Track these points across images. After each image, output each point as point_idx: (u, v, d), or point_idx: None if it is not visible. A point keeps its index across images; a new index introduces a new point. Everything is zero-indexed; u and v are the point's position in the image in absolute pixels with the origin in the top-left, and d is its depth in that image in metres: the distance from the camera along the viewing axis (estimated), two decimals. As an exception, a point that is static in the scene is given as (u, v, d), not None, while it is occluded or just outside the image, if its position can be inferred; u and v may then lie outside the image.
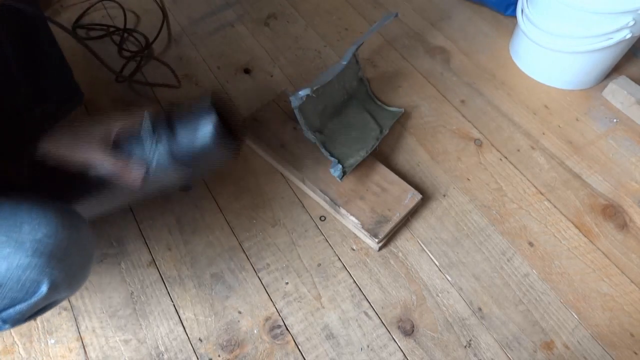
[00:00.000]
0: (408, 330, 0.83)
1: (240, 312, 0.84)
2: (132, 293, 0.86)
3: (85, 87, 1.12)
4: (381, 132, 1.00)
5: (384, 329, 0.83)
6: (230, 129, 0.64)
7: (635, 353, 0.81)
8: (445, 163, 1.03)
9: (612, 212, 0.96)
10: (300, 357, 0.80)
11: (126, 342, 0.81)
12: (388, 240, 0.91)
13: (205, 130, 0.61)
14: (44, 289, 0.52)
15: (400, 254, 0.90)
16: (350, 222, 0.90)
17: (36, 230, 0.51)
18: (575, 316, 0.84)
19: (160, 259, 0.89)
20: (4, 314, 0.53)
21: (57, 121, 0.86)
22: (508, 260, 0.90)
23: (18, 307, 0.52)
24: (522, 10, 1.12)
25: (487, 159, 1.03)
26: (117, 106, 1.10)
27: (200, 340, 0.81)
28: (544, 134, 1.07)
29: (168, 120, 0.62)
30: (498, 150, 1.05)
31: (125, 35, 1.23)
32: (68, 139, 0.55)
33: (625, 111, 1.11)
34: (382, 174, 0.95)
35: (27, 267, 0.50)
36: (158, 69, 1.18)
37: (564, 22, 1.03)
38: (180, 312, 0.84)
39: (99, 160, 0.53)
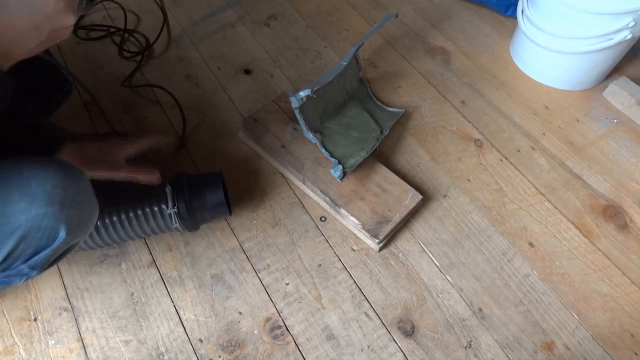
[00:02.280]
0: (408, 330, 0.82)
1: (240, 313, 0.84)
2: (132, 294, 0.85)
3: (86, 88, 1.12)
4: (382, 132, 1.00)
5: (385, 330, 0.83)
6: (228, 197, 0.88)
7: (636, 354, 0.81)
8: (446, 164, 1.03)
9: (613, 213, 0.96)
10: (301, 357, 0.80)
11: (127, 342, 0.81)
12: (388, 241, 0.91)
13: (215, 198, 0.85)
14: (62, 234, 0.57)
15: (400, 255, 0.90)
16: (351, 222, 0.90)
17: (43, 183, 0.55)
18: (576, 317, 0.84)
19: (161, 259, 0.89)
20: (31, 262, 0.58)
21: (51, 114, 0.86)
22: (508, 261, 0.90)
23: (42, 254, 0.58)
24: (522, 11, 1.12)
25: (487, 160, 1.03)
26: (118, 108, 1.10)
27: (201, 340, 0.81)
28: (544, 134, 1.07)
29: (185, 184, 0.83)
30: (498, 151, 1.05)
31: (126, 35, 1.23)
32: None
33: (625, 112, 1.11)
34: (383, 174, 0.95)
35: (44, 216, 0.55)
36: (158, 69, 1.18)
37: (565, 23, 1.03)
38: (181, 312, 0.84)
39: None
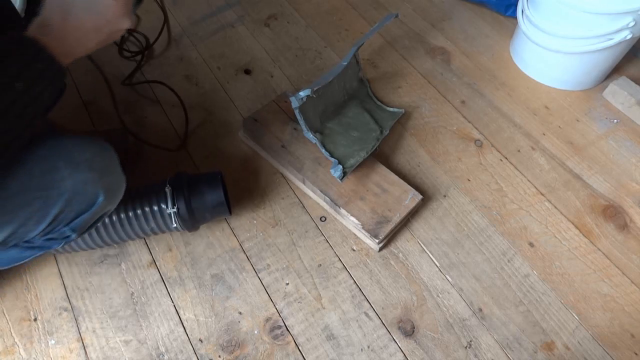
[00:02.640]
0: (408, 330, 0.82)
1: (240, 313, 0.84)
2: (132, 294, 0.85)
3: (86, 88, 1.12)
4: (382, 132, 1.00)
5: (385, 330, 0.83)
6: (227, 197, 0.88)
7: (636, 354, 0.81)
8: (446, 164, 1.03)
9: (613, 213, 0.96)
10: (301, 357, 0.80)
11: (127, 342, 0.81)
12: (388, 240, 0.91)
13: (215, 198, 0.84)
14: (101, 198, 0.63)
15: (400, 255, 0.90)
16: (351, 222, 0.90)
17: (84, 153, 0.62)
18: (576, 317, 0.84)
19: (161, 259, 0.89)
20: (72, 224, 0.64)
21: (49, 110, 0.86)
22: (508, 261, 0.90)
23: (83, 217, 0.64)
24: (522, 11, 1.12)
25: (487, 160, 1.03)
26: (118, 108, 1.10)
27: (201, 340, 0.81)
28: (544, 134, 1.07)
29: (185, 184, 0.84)
30: (498, 151, 1.05)
31: (126, 35, 1.23)
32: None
33: (625, 112, 1.11)
34: (383, 174, 0.95)
35: (86, 181, 0.61)
36: (158, 69, 1.18)
37: (565, 23, 1.03)
38: (181, 312, 0.84)
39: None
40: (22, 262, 0.71)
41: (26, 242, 0.65)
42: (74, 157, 0.61)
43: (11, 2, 0.65)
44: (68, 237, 0.66)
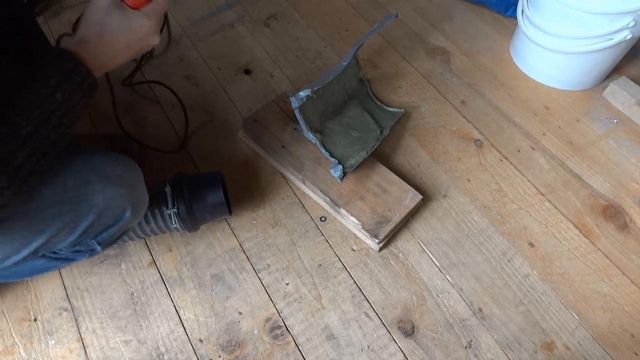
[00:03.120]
0: (408, 330, 0.82)
1: (240, 313, 0.84)
2: (132, 294, 0.85)
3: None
4: (382, 132, 1.00)
5: (385, 330, 0.83)
6: (227, 197, 0.89)
7: (636, 354, 0.81)
8: (446, 164, 1.03)
9: (613, 213, 0.96)
10: (301, 357, 0.80)
11: (127, 342, 0.81)
12: (388, 240, 0.91)
13: (215, 199, 0.84)
14: (128, 213, 0.66)
15: (400, 255, 0.90)
16: (351, 222, 0.90)
17: (115, 168, 0.64)
18: (576, 317, 0.84)
19: (161, 259, 0.89)
20: (99, 237, 0.66)
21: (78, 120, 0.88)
22: (508, 261, 0.90)
23: (110, 230, 0.66)
24: (522, 11, 1.12)
25: (487, 160, 1.03)
26: (118, 109, 1.10)
27: (201, 340, 0.81)
28: (544, 134, 1.07)
29: (185, 185, 0.84)
30: (498, 151, 1.05)
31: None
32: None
33: (625, 112, 1.11)
34: (383, 174, 0.95)
35: (117, 196, 0.63)
36: (158, 69, 1.18)
37: (565, 23, 1.03)
38: (181, 312, 0.84)
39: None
40: (45, 272, 0.73)
41: (54, 252, 0.67)
42: (106, 172, 0.63)
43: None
44: (93, 249, 0.68)
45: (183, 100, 1.06)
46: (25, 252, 0.61)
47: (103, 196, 0.62)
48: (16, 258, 0.61)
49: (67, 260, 0.70)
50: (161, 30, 1.21)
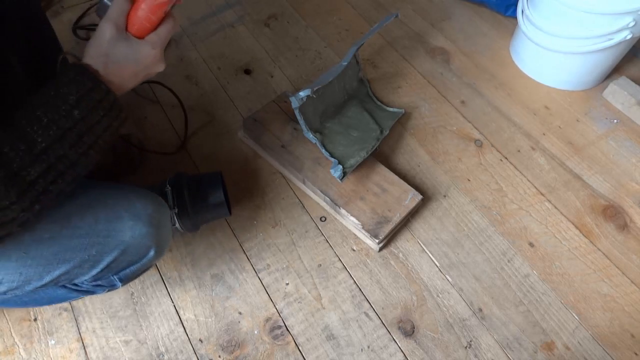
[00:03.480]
0: (408, 331, 0.82)
1: (240, 313, 0.84)
2: (132, 294, 0.85)
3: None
4: (381, 132, 1.00)
5: (385, 330, 0.83)
6: (227, 197, 0.89)
7: (636, 354, 0.81)
8: (446, 164, 1.03)
9: (613, 213, 0.96)
10: (301, 357, 0.80)
11: (127, 342, 0.81)
12: (388, 241, 0.91)
13: (215, 199, 0.85)
14: (152, 253, 0.66)
15: (400, 255, 0.90)
16: (351, 222, 0.90)
17: (146, 207, 0.65)
18: (576, 317, 0.84)
19: (161, 259, 0.89)
20: (121, 274, 0.67)
21: (105, 145, 0.89)
22: (508, 261, 0.90)
23: (132, 268, 0.66)
24: (522, 11, 1.12)
25: (487, 160, 1.03)
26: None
27: (201, 341, 0.81)
28: (544, 134, 1.07)
29: (185, 185, 0.84)
30: (498, 151, 1.05)
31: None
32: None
33: (625, 112, 1.11)
34: (383, 174, 0.95)
35: (145, 235, 0.64)
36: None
37: (564, 23, 1.03)
38: (181, 312, 0.84)
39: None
40: (63, 302, 0.74)
41: (74, 285, 0.67)
42: (137, 209, 0.64)
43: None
44: (114, 285, 0.69)
45: (183, 100, 1.06)
46: (47, 279, 0.61)
47: (131, 234, 0.63)
48: (37, 284, 0.61)
49: (87, 292, 0.70)
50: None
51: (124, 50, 0.53)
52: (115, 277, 0.67)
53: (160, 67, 0.57)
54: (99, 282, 0.67)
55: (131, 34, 0.54)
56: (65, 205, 0.60)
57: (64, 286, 0.66)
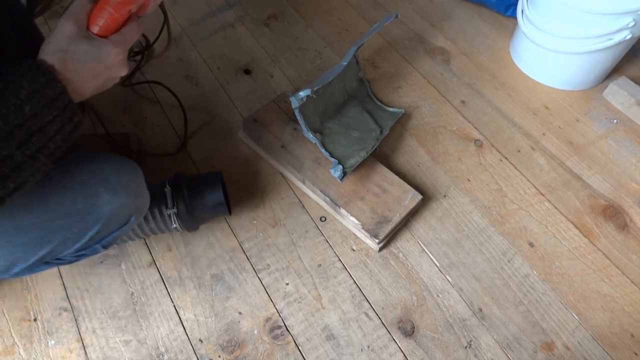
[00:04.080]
0: (408, 331, 0.82)
1: (240, 313, 0.84)
2: (132, 294, 0.85)
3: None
4: (381, 132, 1.00)
5: (385, 330, 0.83)
6: (227, 197, 0.89)
7: (636, 354, 0.81)
8: (446, 164, 1.03)
9: (613, 213, 0.96)
10: (301, 357, 0.80)
11: (126, 342, 0.81)
12: (388, 241, 0.91)
13: (215, 198, 0.85)
14: (132, 219, 0.68)
15: (400, 255, 0.90)
16: (351, 222, 0.90)
17: (121, 177, 0.65)
18: (576, 317, 0.84)
19: (161, 259, 0.89)
20: (104, 242, 0.68)
21: (57, 151, 0.87)
22: (508, 261, 0.90)
23: (114, 234, 0.68)
24: (522, 11, 1.12)
25: (487, 160, 1.03)
26: (117, 109, 1.10)
27: (201, 340, 0.81)
28: (544, 134, 1.08)
29: (185, 185, 0.84)
30: (498, 151, 1.05)
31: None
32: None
33: (625, 112, 1.11)
34: (383, 174, 0.95)
35: (123, 205, 0.64)
36: (158, 69, 1.18)
37: (564, 23, 1.03)
38: (181, 312, 0.84)
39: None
40: (46, 270, 0.74)
41: (57, 259, 0.68)
42: (112, 181, 0.64)
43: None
44: (96, 252, 0.70)
45: (183, 100, 1.06)
46: (32, 260, 0.62)
47: (110, 207, 0.63)
48: (23, 265, 0.62)
49: (70, 262, 0.71)
50: (161, 31, 1.21)
51: (84, 48, 0.50)
52: (98, 245, 0.68)
53: (123, 71, 0.55)
54: (82, 252, 0.68)
55: (93, 34, 0.51)
56: (40, 187, 0.56)
57: (46, 262, 0.66)
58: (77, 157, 0.64)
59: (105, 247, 0.69)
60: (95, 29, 0.52)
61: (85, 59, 0.50)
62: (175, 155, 1.02)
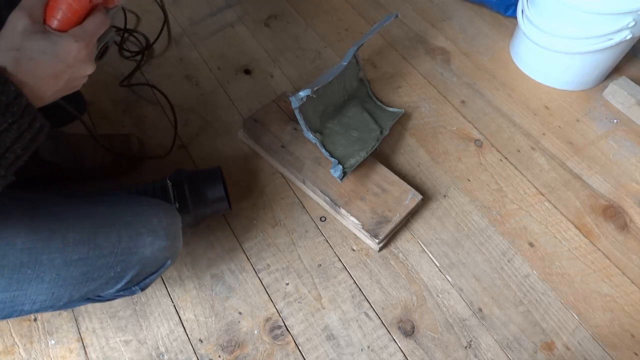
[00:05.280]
0: (408, 330, 0.82)
1: (240, 313, 0.84)
2: (132, 294, 0.86)
3: (86, 89, 1.12)
4: (381, 132, 1.00)
5: (385, 330, 0.83)
6: (227, 193, 0.90)
7: (636, 354, 0.81)
8: (446, 164, 1.03)
9: (613, 213, 0.96)
10: (301, 357, 0.80)
11: (126, 342, 0.81)
12: (388, 241, 0.91)
13: (215, 193, 0.86)
14: (169, 262, 0.70)
15: (400, 255, 0.90)
16: (351, 222, 0.90)
17: (161, 221, 0.67)
18: (576, 317, 0.84)
19: (161, 259, 0.89)
20: (142, 284, 0.69)
21: (17, 161, 0.85)
22: (508, 261, 0.90)
23: (152, 277, 0.69)
24: (522, 11, 1.12)
25: (487, 160, 1.03)
26: (118, 108, 1.10)
27: (201, 341, 0.81)
28: (544, 134, 1.07)
29: (186, 181, 0.85)
30: (498, 151, 1.05)
31: (126, 35, 1.23)
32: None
33: (625, 112, 1.11)
34: (383, 174, 0.95)
35: (163, 248, 0.66)
36: (158, 69, 1.18)
37: (565, 23, 1.03)
38: (181, 312, 0.84)
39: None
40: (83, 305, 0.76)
41: (98, 296, 0.69)
42: (154, 224, 0.66)
43: None
44: (134, 292, 0.71)
45: (183, 100, 1.06)
46: (76, 296, 0.63)
47: (151, 249, 0.65)
48: (67, 300, 0.62)
49: (108, 300, 0.72)
50: (161, 31, 1.21)
51: (40, 44, 0.44)
52: (137, 287, 0.70)
53: (89, 69, 0.49)
54: (121, 292, 0.69)
55: (51, 28, 0.45)
56: (91, 221, 0.61)
57: (88, 298, 0.68)
58: (123, 197, 0.69)
59: (142, 288, 0.70)
60: (54, 23, 0.45)
61: (42, 56, 0.44)
62: (175, 155, 1.02)
